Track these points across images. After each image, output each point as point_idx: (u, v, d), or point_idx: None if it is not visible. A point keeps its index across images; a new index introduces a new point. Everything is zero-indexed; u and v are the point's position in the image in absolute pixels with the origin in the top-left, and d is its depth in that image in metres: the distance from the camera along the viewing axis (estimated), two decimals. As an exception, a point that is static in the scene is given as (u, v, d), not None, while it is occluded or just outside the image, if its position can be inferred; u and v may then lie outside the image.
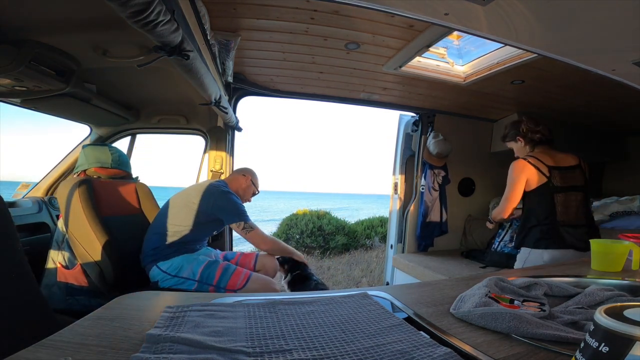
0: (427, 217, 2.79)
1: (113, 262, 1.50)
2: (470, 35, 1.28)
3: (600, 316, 0.29)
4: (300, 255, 1.85)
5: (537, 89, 2.21)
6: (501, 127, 2.54)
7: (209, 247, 1.82)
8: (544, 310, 0.60)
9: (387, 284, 3.01)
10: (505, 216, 1.64)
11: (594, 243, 1.01)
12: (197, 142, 2.50)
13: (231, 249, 2.41)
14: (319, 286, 1.73)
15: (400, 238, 2.94)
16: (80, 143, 2.22)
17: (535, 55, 1.45)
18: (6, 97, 1.50)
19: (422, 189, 2.81)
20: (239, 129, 2.41)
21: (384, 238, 7.06)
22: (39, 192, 2.11)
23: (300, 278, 1.77)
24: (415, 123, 2.89)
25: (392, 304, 0.66)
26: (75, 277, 1.52)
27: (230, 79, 1.90)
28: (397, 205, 3.00)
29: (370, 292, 0.71)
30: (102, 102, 1.82)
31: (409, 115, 2.96)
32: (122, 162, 1.87)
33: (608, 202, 2.57)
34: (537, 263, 1.51)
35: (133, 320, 0.53)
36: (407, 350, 0.46)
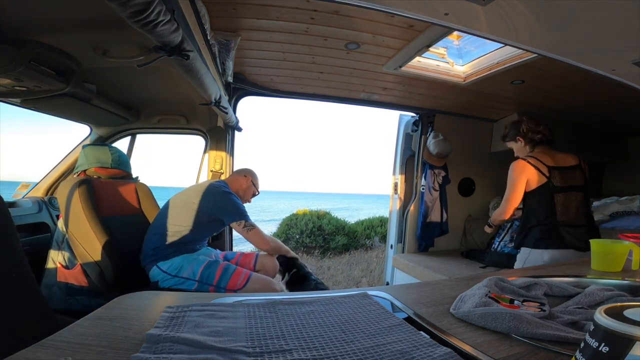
0: (427, 217, 2.79)
1: (113, 262, 1.50)
2: (470, 35, 1.28)
3: (600, 316, 0.29)
4: (292, 253, 1.86)
5: (537, 89, 2.21)
6: (501, 127, 2.53)
7: (209, 247, 1.82)
8: (544, 310, 0.60)
9: (387, 284, 3.01)
10: (507, 217, 1.63)
11: (594, 243, 1.01)
12: (197, 142, 2.50)
13: (231, 249, 2.41)
14: (319, 286, 1.72)
15: (400, 238, 2.94)
16: (80, 143, 2.22)
17: (535, 55, 1.45)
18: (6, 97, 1.50)
19: (423, 189, 2.81)
20: (239, 129, 2.41)
21: (384, 238, 7.07)
22: (39, 192, 2.11)
23: (298, 278, 1.77)
24: (415, 123, 2.89)
25: (392, 304, 0.66)
26: (75, 277, 1.52)
27: (230, 79, 1.90)
28: (397, 205, 3.00)
29: (370, 292, 0.71)
30: (102, 102, 1.82)
31: (409, 115, 2.96)
32: (122, 162, 1.87)
33: (608, 202, 2.57)
34: (537, 263, 1.51)
35: (133, 320, 0.53)
36: (407, 350, 0.46)
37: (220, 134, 2.29)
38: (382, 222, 7.64)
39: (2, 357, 0.39)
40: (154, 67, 1.24)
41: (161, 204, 1.80)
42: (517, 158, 1.65)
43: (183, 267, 1.54)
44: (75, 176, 1.77)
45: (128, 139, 2.38)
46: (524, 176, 1.56)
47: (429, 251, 2.86)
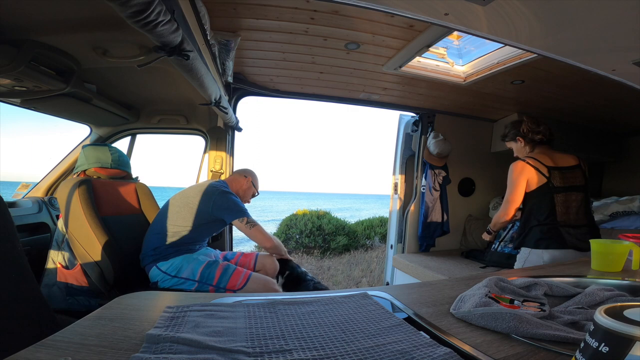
0: (428, 217, 2.79)
1: (113, 262, 1.50)
2: (470, 35, 1.29)
3: (600, 316, 0.29)
4: (287, 255, 1.87)
5: (537, 89, 2.21)
6: (501, 127, 2.54)
7: (209, 247, 1.82)
8: (544, 310, 0.60)
9: (387, 284, 3.01)
10: (508, 218, 1.62)
11: (594, 243, 1.02)
12: (197, 142, 2.50)
13: (231, 249, 2.41)
14: (317, 286, 1.72)
15: (401, 238, 2.94)
16: (80, 143, 2.22)
17: (535, 55, 1.46)
18: (6, 97, 1.50)
19: (423, 189, 2.81)
20: (239, 129, 2.41)
21: (384, 238, 7.07)
22: (39, 192, 2.11)
23: (294, 279, 1.76)
24: (415, 123, 2.89)
25: (392, 304, 0.66)
26: (75, 277, 1.52)
27: (230, 79, 1.90)
28: (397, 205, 3.00)
29: (370, 292, 0.71)
30: (102, 102, 1.82)
31: (409, 115, 2.96)
32: (122, 162, 1.87)
33: (608, 202, 2.57)
34: (537, 263, 1.51)
35: (133, 320, 0.53)
36: (407, 350, 0.46)
37: (220, 134, 2.29)
38: (382, 222, 7.65)
39: (2, 357, 0.39)
40: (154, 67, 1.24)
41: (161, 204, 1.80)
42: (517, 158, 1.66)
43: (183, 267, 1.54)
44: (75, 176, 1.77)
45: (128, 139, 2.38)
46: (524, 177, 1.56)
47: (430, 251, 2.86)
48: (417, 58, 1.82)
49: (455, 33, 1.80)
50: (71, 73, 1.38)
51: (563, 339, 0.49)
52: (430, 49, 1.70)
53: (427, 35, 1.55)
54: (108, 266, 1.48)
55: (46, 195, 2.11)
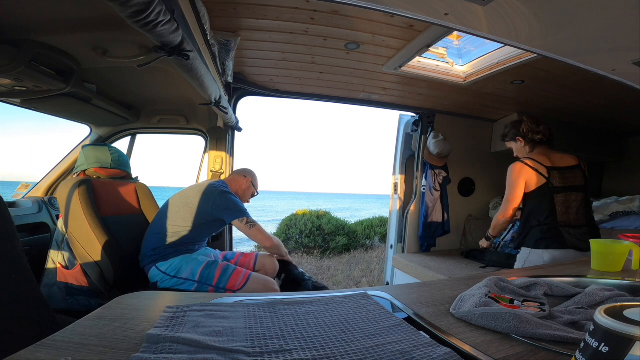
0: (428, 218, 2.79)
1: (113, 262, 1.50)
2: (470, 35, 1.28)
3: (600, 316, 0.29)
4: (288, 257, 1.87)
5: (537, 89, 2.21)
6: (501, 127, 2.54)
7: (208, 248, 1.82)
8: (544, 310, 0.60)
9: (387, 284, 3.01)
10: (508, 216, 1.62)
11: (594, 243, 1.02)
12: (197, 142, 2.50)
13: (231, 249, 2.41)
14: (317, 285, 1.72)
15: (401, 238, 2.94)
16: (80, 143, 2.22)
17: (535, 55, 1.46)
18: (6, 97, 1.50)
19: (423, 189, 2.81)
20: (239, 129, 2.41)
21: (384, 238, 7.07)
22: (39, 192, 2.11)
23: (291, 280, 1.76)
24: (415, 123, 2.89)
25: (392, 304, 0.66)
26: (75, 277, 1.52)
27: (230, 79, 1.90)
28: (397, 205, 3.00)
29: (370, 292, 0.71)
30: (102, 102, 1.82)
31: (409, 115, 2.96)
32: (122, 162, 1.87)
33: (608, 202, 2.57)
34: (537, 263, 1.51)
35: (133, 320, 0.53)
36: (407, 350, 0.46)
37: (220, 134, 2.29)
38: (382, 222, 7.65)
39: (2, 357, 0.39)
40: (154, 67, 1.24)
41: (161, 204, 1.80)
42: (517, 158, 1.65)
43: (182, 267, 1.54)
44: (75, 176, 1.77)
45: (128, 139, 2.38)
46: (522, 178, 1.57)
47: (430, 251, 2.86)
48: (417, 58, 1.82)
49: (455, 33, 1.80)
50: (71, 73, 1.38)
51: (563, 339, 0.49)
52: (430, 49, 1.70)
53: (427, 35, 1.55)
54: (108, 266, 1.48)
55: (46, 195, 2.11)
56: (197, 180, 2.36)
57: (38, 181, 2.15)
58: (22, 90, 1.38)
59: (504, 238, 2.58)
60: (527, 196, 1.60)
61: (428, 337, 0.50)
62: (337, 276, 4.83)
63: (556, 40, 0.86)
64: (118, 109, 2.00)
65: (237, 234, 2.43)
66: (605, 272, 0.97)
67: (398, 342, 0.48)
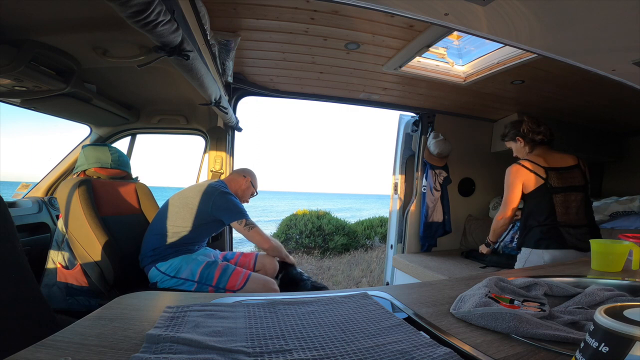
0: (429, 218, 2.79)
1: (113, 262, 1.50)
2: (470, 35, 1.28)
3: (600, 316, 0.29)
4: (290, 259, 1.86)
5: (537, 89, 2.21)
6: (501, 127, 2.53)
7: (208, 248, 1.82)
8: (544, 310, 0.60)
9: (387, 284, 3.01)
10: (507, 216, 1.62)
11: (594, 243, 1.02)
12: (197, 142, 2.50)
13: (231, 250, 2.41)
14: (316, 285, 1.71)
15: (401, 238, 2.94)
16: (80, 143, 2.22)
17: (535, 55, 1.46)
18: (6, 97, 1.50)
19: (424, 189, 2.81)
20: (239, 129, 2.41)
21: (384, 238, 7.07)
22: (39, 192, 2.11)
23: (289, 281, 1.75)
24: (415, 123, 2.89)
25: (392, 304, 0.66)
26: (75, 277, 1.52)
27: (230, 79, 1.90)
28: (397, 205, 3.00)
29: (370, 292, 0.71)
30: (102, 102, 1.82)
31: (409, 115, 2.96)
32: (122, 162, 1.87)
33: (608, 202, 2.57)
34: (537, 263, 1.51)
35: (133, 320, 0.53)
36: (407, 350, 0.46)
37: (220, 134, 2.29)
38: (382, 222, 7.65)
39: (2, 357, 0.39)
40: (154, 67, 1.24)
41: (161, 204, 1.80)
42: (516, 158, 1.66)
43: (182, 267, 1.54)
44: (75, 176, 1.77)
45: (128, 139, 2.38)
46: (519, 180, 1.57)
47: (431, 251, 2.86)
48: (417, 58, 1.82)
49: (455, 33, 1.79)
50: (71, 73, 1.38)
51: (563, 339, 0.49)
52: (430, 49, 1.70)
53: (427, 35, 1.55)
54: (108, 266, 1.48)
55: (46, 195, 2.11)
56: (197, 180, 2.36)
57: (38, 181, 2.15)
58: (22, 90, 1.38)
59: (503, 239, 2.58)
60: (526, 197, 1.60)
61: (428, 337, 0.50)
62: (337, 276, 4.83)
63: (556, 40, 0.86)
64: (118, 109, 2.00)
65: (237, 234, 2.43)
66: (605, 272, 0.97)
67: (398, 342, 0.48)
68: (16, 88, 1.35)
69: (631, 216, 2.40)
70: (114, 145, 2.11)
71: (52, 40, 1.22)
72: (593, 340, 0.29)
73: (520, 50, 1.62)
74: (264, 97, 2.46)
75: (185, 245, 1.62)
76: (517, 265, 1.64)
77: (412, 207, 2.85)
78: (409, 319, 0.58)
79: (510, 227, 2.53)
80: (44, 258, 1.58)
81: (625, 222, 2.38)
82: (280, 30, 1.60)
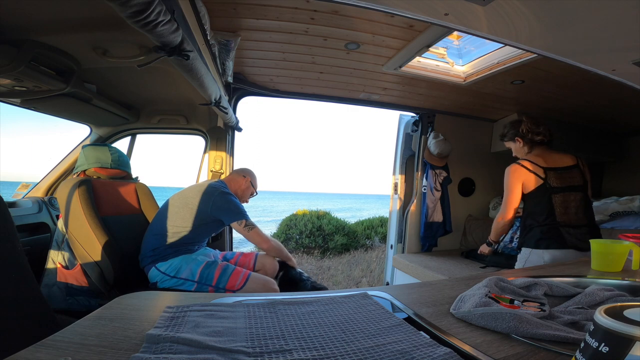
0: (429, 218, 2.79)
1: (113, 262, 1.50)
2: (470, 35, 1.29)
3: (600, 316, 0.29)
4: (293, 261, 1.84)
5: (537, 89, 2.21)
6: (501, 127, 2.53)
7: (208, 248, 1.82)
8: (544, 310, 0.60)
9: (387, 284, 3.01)
10: (508, 218, 1.61)
11: (594, 243, 1.02)
12: (197, 142, 2.50)
13: (231, 250, 2.41)
14: (315, 285, 1.71)
15: (401, 238, 2.94)
16: (80, 143, 2.22)
17: (535, 55, 1.46)
18: (6, 97, 1.50)
19: (424, 189, 2.81)
20: (239, 129, 2.41)
21: (384, 238, 7.07)
22: (39, 192, 2.11)
23: (288, 281, 1.74)
24: (415, 123, 2.89)
25: (392, 304, 0.66)
26: (75, 277, 1.52)
27: (230, 79, 1.90)
28: (397, 205, 3.00)
29: (370, 292, 0.71)
30: (102, 102, 1.82)
31: (409, 115, 2.96)
32: (122, 163, 1.87)
33: (608, 202, 2.57)
34: (537, 263, 1.51)
35: (133, 320, 0.53)
36: (407, 350, 0.46)
37: (220, 134, 2.29)
38: (382, 222, 7.65)
39: (2, 357, 0.39)
40: (154, 67, 1.24)
41: (161, 204, 1.81)
42: (516, 158, 1.65)
43: (182, 268, 1.54)
44: (75, 176, 1.77)
45: (128, 139, 2.38)
46: (519, 179, 1.57)
47: (431, 251, 2.86)
48: (417, 58, 1.82)
49: (455, 33, 1.80)
50: (71, 73, 1.38)
51: (563, 339, 0.49)
52: (430, 49, 1.70)
53: (427, 35, 1.55)
54: (108, 266, 1.49)
55: (46, 195, 2.11)
56: (197, 180, 2.36)
57: (38, 181, 2.15)
58: (22, 90, 1.38)
59: (503, 239, 2.58)
60: (525, 197, 1.60)
61: (428, 337, 0.50)
62: (337, 276, 4.83)
63: (556, 40, 0.86)
64: (118, 109, 2.01)
65: (237, 234, 2.43)
66: (605, 272, 0.97)
67: (398, 342, 0.48)
68: (16, 88, 1.35)
69: (631, 216, 2.40)
70: (114, 145, 2.11)
71: (52, 40, 1.22)
72: (593, 340, 0.29)
73: (520, 50, 1.62)
74: (264, 97, 2.47)
75: (185, 245, 1.62)
76: (518, 265, 1.64)
77: (412, 207, 2.85)
78: (409, 319, 0.58)
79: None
80: (44, 258, 1.58)
81: (625, 222, 2.38)
82: (280, 30, 1.60)
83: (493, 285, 0.71)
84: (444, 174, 2.83)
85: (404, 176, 3.04)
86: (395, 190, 3.05)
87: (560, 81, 2.04)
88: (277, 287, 1.65)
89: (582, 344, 0.31)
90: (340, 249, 6.53)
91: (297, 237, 6.52)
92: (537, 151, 1.62)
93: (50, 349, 0.43)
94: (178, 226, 1.62)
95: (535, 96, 2.35)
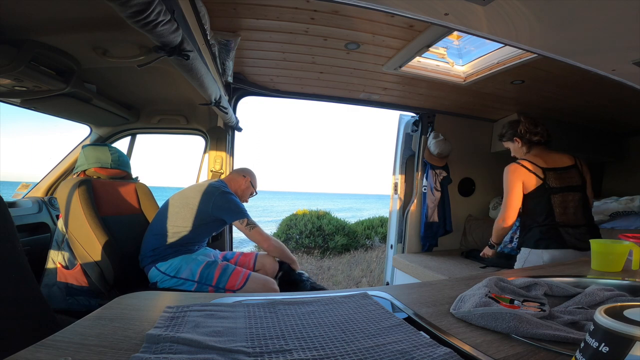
0: (430, 218, 2.79)
1: (113, 262, 1.50)
2: (470, 35, 1.28)
3: (600, 316, 0.29)
4: (296, 264, 1.82)
5: (537, 89, 2.21)
6: (501, 127, 2.54)
7: (208, 248, 1.82)
8: (544, 310, 0.60)
9: (387, 284, 3.01)
10: (511, 223, 1.58)
11: (594, 243, 1.02)
12: (197, 142, 2.50)
13: (231, 249, 2.41)
14: (315, 286, 1.71)
15: (401, 238, 2.94)
16: (80, 143, 2.22)
17: (535, 55, 1.45)
18: (6, 97, 1.50)
19: (424, 189, 2.81)
20: (239, 129, 2.41)
21: (384, 238, 7.07)
22: (39, 192, 2.11)
23: (287, 281, 1.74)
24: (415, 123, 2.89)
25: (392, 304, 0.66)
26: (75, 277, 1.52)
27: (230, 79, 1.90)
28: (397, 205, 3.00)
29: (370, 292, 0.71)
30: (102, 102, 1.82)
31: (409, 115, 2.96)
32: (122, 162, 1.87)
33: (608, 202, 2.57)
34: (537, 263, 1.51)
35: (133, 320, 0.53)
36: (407, 350, 0.46)
37: (220, 134, 2.29)
38: (383, 222, 7.65)
39: (2, 357, 0.39)
40: (154, 67, 1.24)
41: (161, 203, 1.80)
42: (515, 158, 1.65)
43: (182, 267, 1.54)
44: (75, 176, 1.77)
45: (128, 139, 2.38)
46: (519, 179, 1.56)
47: (432, 251, 2.86)
48: (417, 58, 1.82)
49: (455, 33, 1.80)
50: (71, 73, 1.38)
51: (563, 339, 0.49)
52: (430, 49, 1.70)
53: (427, 35, 1.55)
54: (108, 266, 1.49)
55: (46, 195, 2.11)
56: (197, 180, 2.36)
57: (38, 181, 2.15)
58: (22, 90, 1.38)
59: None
60: (525, 197, 1.59)
61: (428, 337, 0.50)
62: (337, 276, 4.83)
63: (556, 40, 0.86)
64: (118, 109, 2.01)
65: (237, 235, 2.43)
66: (605, 272, 0.97)
67: (398, 342, 0.48)
68: (16, 88, 1.35)
69: (631, 216, 2.40)
70: (114, 145, 2.11)
71: (52, 40, 1.22)
72: (593, 340, 0.29)
73: (520, 50, 1.62)
74: (264, 97, 2.47)
75: (186, 245, 1.62)
76: (517, 265, 1.64)
77: (412, 207, 2.85)
78: (409, 319, 0.58)
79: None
80: (44, 258, 1.58)
81: (625, 222, 2.38)
82: (280, 30, 1.60)
83: (493, 285, 0.71)
84: (444, 173, 2.83)
85: (404, 176, 3.04)
86: (395, 190, 3.05)
87: (560, 81, 2.03)
88: (277, 287, 1.64)
89: (582, 344, 0.31)
90: (340, 249, 6.53)
91: (297, 237, 6.52)
92: (535, 151, 1.62)
93: (50, 349, 0.43)
94: (178, 226, 1.62)
95: (535, 96, 2.35)
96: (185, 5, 1.04)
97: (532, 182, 1.55)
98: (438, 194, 2.80)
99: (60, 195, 1.54)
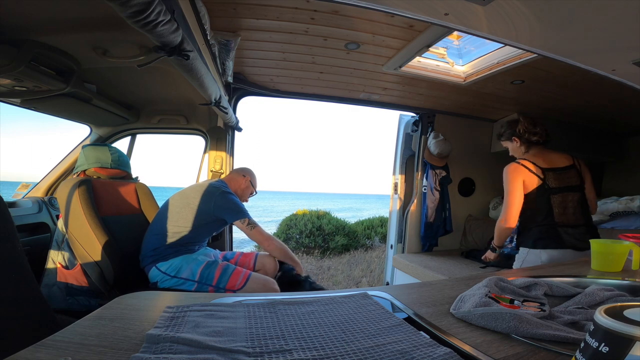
0: (430, 217, 2.79)
1: (113, 262, 1.50)
2: (470, 35, 1.29)
3: (600, 316, 0.29)
4: (300, 267, 1.80)
5: (537, 89, 2.21)
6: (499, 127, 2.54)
7: (208, 248, 1.82)
8: (544, 310, 0.60)
9: (387, 284, 3.01)
10: (513, 225, 1.56)
11: (594, 243, 1.02)
12: (197, 142, 2.50)
13: (231, 249, 2.41)
14: (314, 286, 1.70)
15: (401, 238, 2.94)
16: (80, 143, 2.22)
17: (535, 55, 1.45)
18: (6, 97, 1.50)
19: (425, 189, 2.81)
20: (239, 129, 2.41)
21: (384, 238, 7.07)
22: (39, 192, 2.11)
23: (287, 281, 1.73)
24: (415, 123, 2.90)
25: (392, 304, 0.66)
26: (75, 277, 1.52)
27: (230, 79, 1.90)
28: (397, 205, 3.00)
29: (370, 292, 0.71)
30: (102, 102, 1.82)
31: (409, 115, 2.96)
32: (122, 162, 1.87)
33: (608, 202, 2.57)
34: (535, 263, 1.51)
35: (133, 320, 0.53)
36: (407, 350, 0.46)
37: (220, 134, 2.29)
38: (383, 222, 7.65)
39: (2, 357, 0.39)
40: (154, 67, 1.24)
41: (161, 204, 1.80)
42: (514, 158, 1.65)
43: (182, 267, 1.54)
44: (75, 176, 1.77)
45: (128, 139, 2.38)
46: (520, 178, 1.55)
47: (432, 251, 2.86)
48: (417, 58, 1.82)
49: (455, 33, 1.80)
50: (71, 73, 1.38)
51: (563, 339, 0.49)
52: (430, 49, 1.70)
53: (427, 35, 1.55)
54: (108, 266, 1.49)
55: (46, 195, 2.11)
56: (197, 180, 2.36)
57: (38, 181, 2.15)
58: (22, 90, 1.38)
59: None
60: (524, 197, 1.59)
61: (428, 337, 0.50)
62: (337, 276, 4.83)
63: (556, 40, 0.86)
64: (118, 109, 2.01)
65: (237, 235, 2.43)
66: (605, 272, 0.97)
67: (398, 342, 0.48)
68: (16, 88, 1.35)
69: (631, 216, 2.40)
70: (114, 145, 2.11)
71: (52, 40, 1.22)
72: (593, 340, 0.29)
73: (520, 50, 1.62)
74: (264, 97, 2.47)
75: (186, 245, 1.62)
76: (515, 265, 1.64)
77: (412, 207, 2.85)
78: (409, 319, 0.58)
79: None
80: (44, 258, 1.58)
81: (625, 222, 2.38)
82: (280, 30, 1.60)
83: (493, 285, 0.71)
84: (444, 173, 2.84)
85: (404, 176, 3.04)
86: (395, 190, 3.05)
87: (560, 81, 2.04)
88: (277, 287, 1.64)
89: (582, 344, 0.31)
90: (341, 248, 6.53)
91: (297, 236, 6.52)
92: (534, 151, 1.62)
93: (50, 349, 0.43)
94: (179, 226, 1.62)
95: (535, 96, 2.35)
96: (185, 5, 1.04)
97: (533, 182, 1.55)
98: (438, 194, 2.80)
99: (60, 195, 1.54)
